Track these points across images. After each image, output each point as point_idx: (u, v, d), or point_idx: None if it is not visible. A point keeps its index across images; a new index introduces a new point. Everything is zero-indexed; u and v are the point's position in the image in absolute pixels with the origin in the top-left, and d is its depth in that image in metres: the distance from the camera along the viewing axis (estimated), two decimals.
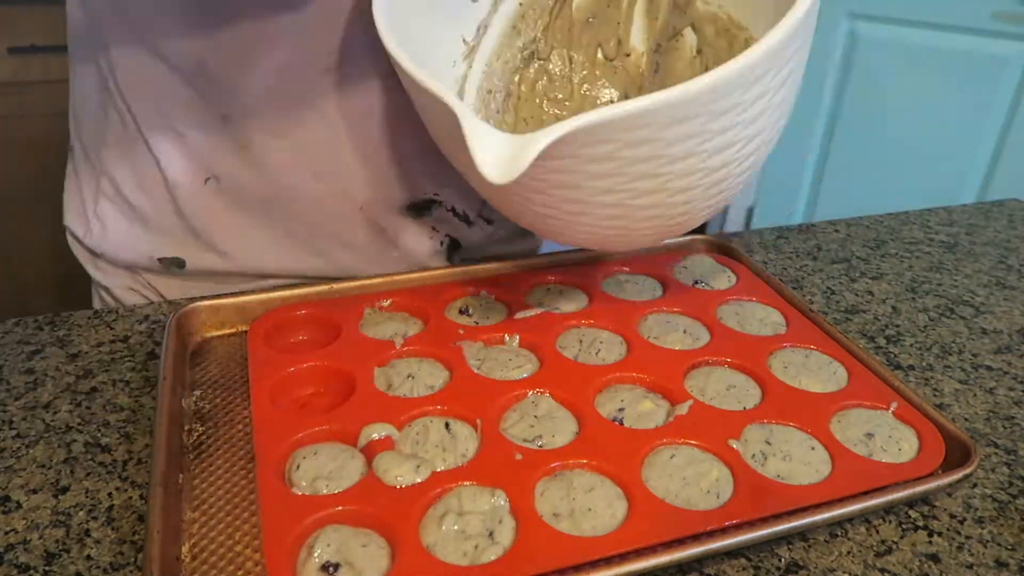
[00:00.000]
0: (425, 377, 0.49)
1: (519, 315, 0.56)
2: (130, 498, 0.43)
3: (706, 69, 0.59)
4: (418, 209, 0.63)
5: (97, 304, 0.68)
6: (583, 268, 0.62)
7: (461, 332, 0.53)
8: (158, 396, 0.46)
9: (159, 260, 0.63)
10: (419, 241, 0.64)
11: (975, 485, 0.46)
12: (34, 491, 0.43)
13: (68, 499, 0.43)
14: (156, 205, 0.61)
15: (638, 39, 0.64)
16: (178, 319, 0.54)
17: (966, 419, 0.51)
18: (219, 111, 0.56)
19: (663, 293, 0.60)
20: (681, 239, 0.68)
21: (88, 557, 0.39)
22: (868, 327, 0.61)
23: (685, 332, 0.55)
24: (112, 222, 0.63)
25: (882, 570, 0.40)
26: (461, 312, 0.56)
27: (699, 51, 0.60)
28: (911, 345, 0.59)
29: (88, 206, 0.63)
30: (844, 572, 0.40)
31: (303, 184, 0.59)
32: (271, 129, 0.57)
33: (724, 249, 0.67)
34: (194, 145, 0.58)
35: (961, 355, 0.58)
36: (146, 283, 0.65)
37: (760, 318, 0.57)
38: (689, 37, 0.61)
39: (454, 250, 0.66)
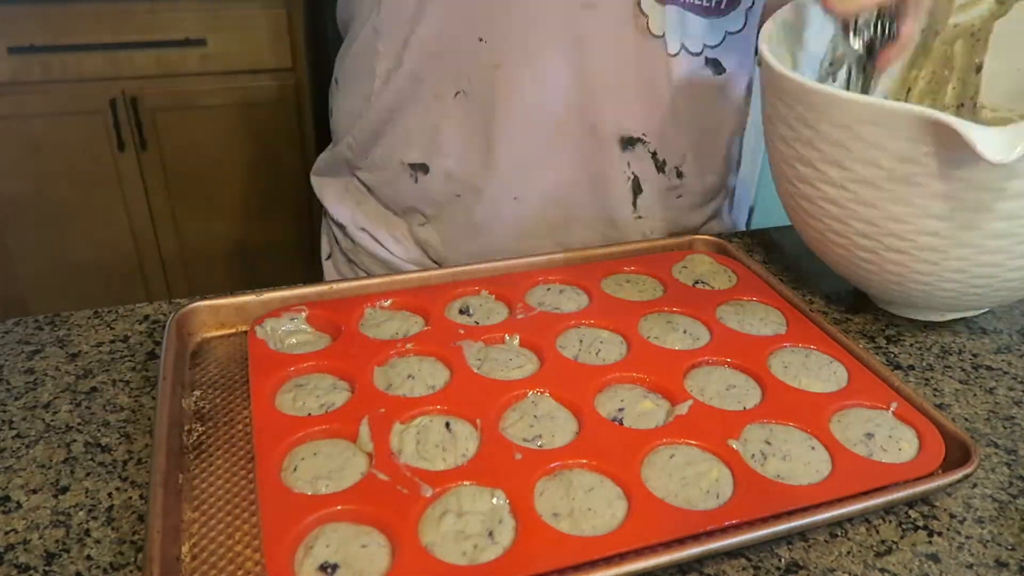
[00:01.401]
0: (425, 377, 0.49)
1: (519, 315, 0.56)
2: (130, 498, 0.43)
3: None
4: (625, 142, 0.71)
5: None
6: (583, 268, 0.62)
7: (461, 332, 0.53)
8: (158, 396, 0.46)
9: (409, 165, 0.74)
10: (614, 167, 0.72)
11: (975, 485, 0.46)
12: (34, 491, 0.43)
13: (68, 499, 0.43)
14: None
15: None
16: (178, 319, 0.54)
17: (966, 419, 0.51)
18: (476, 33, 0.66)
19: (663, 293, 0.60)
20: (681, 239, 0.68)
21: (88, 557, 0.39)
22: (868, 327, 0.61)
23: (685, 332, 0.55)
24: None
25: (882, 570, 0.40)
26: (461, 312, 0.56)
27: None
28: (911, 345, 0.59)
29: None
30: (844, 572, 0.40)
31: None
32: (522, 50, 0.66)
33: (724, 249, 0.67)
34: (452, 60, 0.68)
35: (961, 355, 0.58)
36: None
37: (760, 318, 0.57)
38: None
39: (637, 192, 0.74)
